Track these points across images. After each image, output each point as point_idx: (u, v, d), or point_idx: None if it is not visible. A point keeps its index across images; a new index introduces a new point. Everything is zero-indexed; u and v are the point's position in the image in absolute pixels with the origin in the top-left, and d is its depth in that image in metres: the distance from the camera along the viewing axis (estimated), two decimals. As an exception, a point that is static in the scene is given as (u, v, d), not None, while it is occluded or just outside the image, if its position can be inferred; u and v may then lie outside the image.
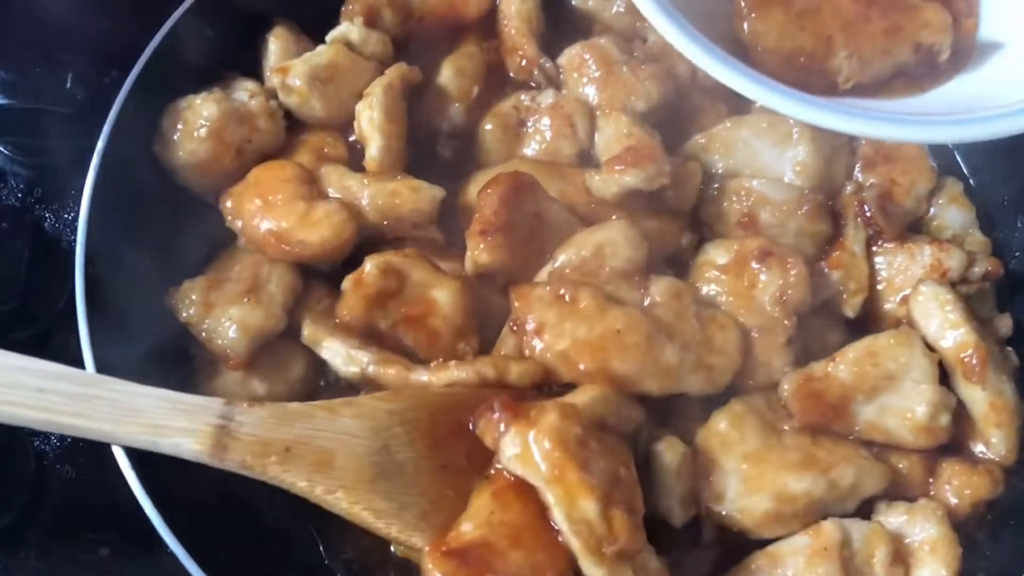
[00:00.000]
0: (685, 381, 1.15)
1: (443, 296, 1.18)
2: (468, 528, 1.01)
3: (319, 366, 1.21)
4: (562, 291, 1.14)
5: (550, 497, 1.00)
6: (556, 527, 1.01)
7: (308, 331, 1.17)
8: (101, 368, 1.10)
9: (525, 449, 1.02)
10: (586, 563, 0.99)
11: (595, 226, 1.20)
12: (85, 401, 0.99)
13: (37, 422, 0.98)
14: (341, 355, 1.15)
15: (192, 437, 1.00)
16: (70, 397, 0.99)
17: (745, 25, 1.01)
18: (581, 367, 1.12)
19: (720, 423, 1.16)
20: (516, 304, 1.16)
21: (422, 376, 1.13)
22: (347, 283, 1.18)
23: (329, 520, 1.07)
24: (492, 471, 1.05)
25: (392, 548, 1.14)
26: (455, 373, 1.12)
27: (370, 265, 1.17)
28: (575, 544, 0.99)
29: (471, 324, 1.19)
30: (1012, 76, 1.01)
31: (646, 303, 1.17)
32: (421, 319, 1.17)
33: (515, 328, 1.16)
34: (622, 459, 1.06)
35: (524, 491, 1.03)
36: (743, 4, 1.01)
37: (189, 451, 1.00)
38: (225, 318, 1.17)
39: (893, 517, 1.14)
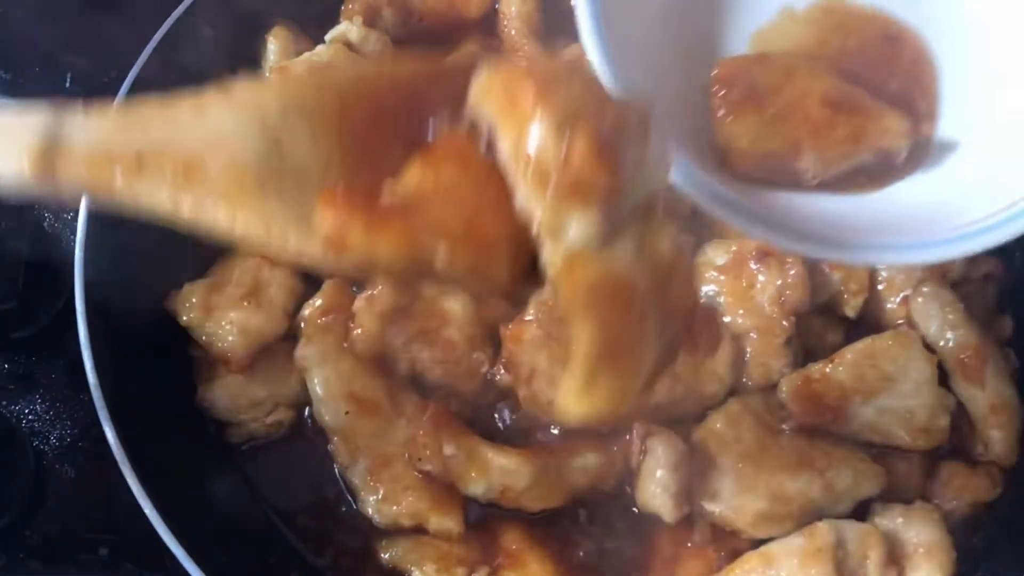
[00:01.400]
0: (675, 411, 1.17)
1: (457, 306, 1.17)
2: (385, 193, 0.75)
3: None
4: (553, 332, 1.14)
5: (499, 126, 0.76)
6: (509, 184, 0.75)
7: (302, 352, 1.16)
8: (101, 369, 1.10)
9: (490, 80, 0.77)
10: (525, 194, 0.73)
11: None
12: None
13: None
14: None
15: (8, 158, 0.77)
16: None
17: (721, 128, 1.03)
18: None
19: (717, 422, 1.16)
20: (508, 346, 1.15)
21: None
22: (360, 302, 1.17)
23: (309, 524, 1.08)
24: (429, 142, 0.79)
25: (383, 555, 1.14)
26: None
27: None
28: (516, 173, 0.73)
29: (484, 333, 1.18)
30: (963, 183, 1.03)
31: None
32: (436, 331, 1.17)
33: (507, 369, 1.16)
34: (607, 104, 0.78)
35: (468, 156, 0.77)
36: (720, 109, 1.03)
37: (6, 176, 0.77)
38: (225, 321, 1.17)
39: (888, 519, 1.14)
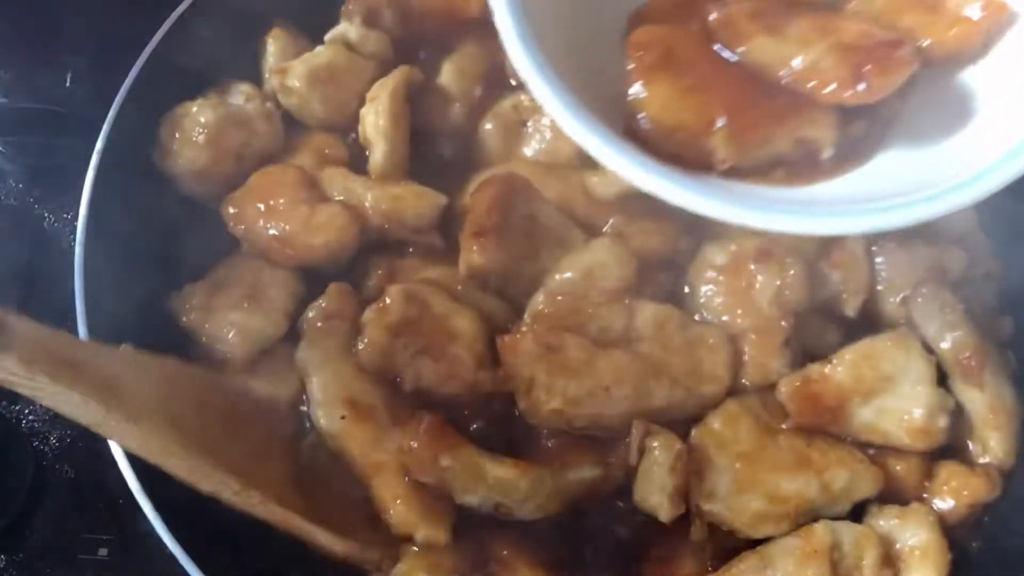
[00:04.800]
0: (676, 413, 1.17)
1: (465, 323, 1.17)
2: None
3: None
4: (548, 342, 1.14)
5: None
6: None
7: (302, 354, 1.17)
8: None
9: None
10: None
11: (582, 247, 1.20)
12: None
13: None
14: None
15: None
16: None
17: (630, 91, 0.99)
18: (575, 424, 1.14)
19: (715, 422, 1.16)
20: (505, 359, 1.15)
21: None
22: (369, 313, 1.17)
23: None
24: None
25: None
26: None
27: (393, 291, 1.16)
28: None
29: (490, 354, 1.17)
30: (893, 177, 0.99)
31: (632, 336, 1.16)
32: (442, 347, 1.16)
33: (506, 381, 1.16)
34: None
35: None
36: (633, 71, 0.99)
37: None
38: (225, 323, 1.18)
39: (884, 520, 1.14)
